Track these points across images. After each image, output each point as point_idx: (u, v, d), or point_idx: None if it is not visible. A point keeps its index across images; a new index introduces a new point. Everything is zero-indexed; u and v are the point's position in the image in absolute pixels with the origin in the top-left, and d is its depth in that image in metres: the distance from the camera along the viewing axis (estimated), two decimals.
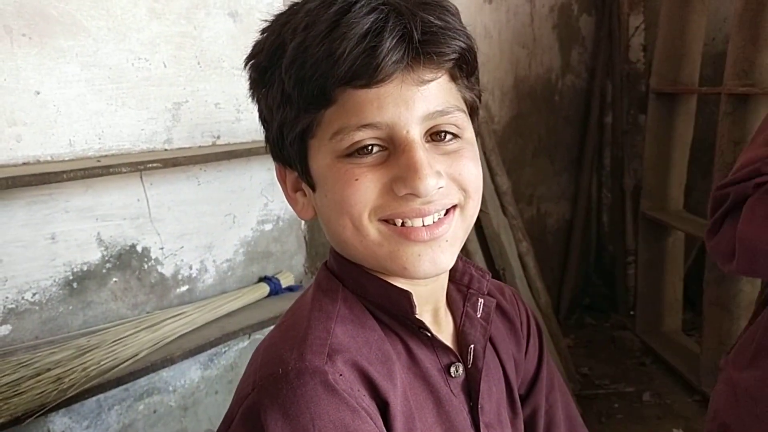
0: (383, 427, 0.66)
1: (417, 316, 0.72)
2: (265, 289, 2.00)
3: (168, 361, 1.63)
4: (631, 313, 3.60)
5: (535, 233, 3.54)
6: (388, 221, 0.69)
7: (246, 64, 0.73)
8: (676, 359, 3.06)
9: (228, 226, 1.97)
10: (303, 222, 2.18)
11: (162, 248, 1.80)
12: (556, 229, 3.81)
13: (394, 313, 0.74)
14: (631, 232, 3.70)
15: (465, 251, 2.59)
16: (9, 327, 1.53)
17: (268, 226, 2.08)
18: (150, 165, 1.58)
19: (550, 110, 3.64)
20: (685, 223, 3.05)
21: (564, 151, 3.79)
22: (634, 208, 3.66)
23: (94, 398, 1.62)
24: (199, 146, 1.86)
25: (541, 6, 3.46)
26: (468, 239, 2.67)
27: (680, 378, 2.95)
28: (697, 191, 3.39)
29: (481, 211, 2.54)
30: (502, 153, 3.01)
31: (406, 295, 0.72)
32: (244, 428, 0.63)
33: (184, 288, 1.87)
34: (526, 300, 2.76)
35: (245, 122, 1.94)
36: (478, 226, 2.69)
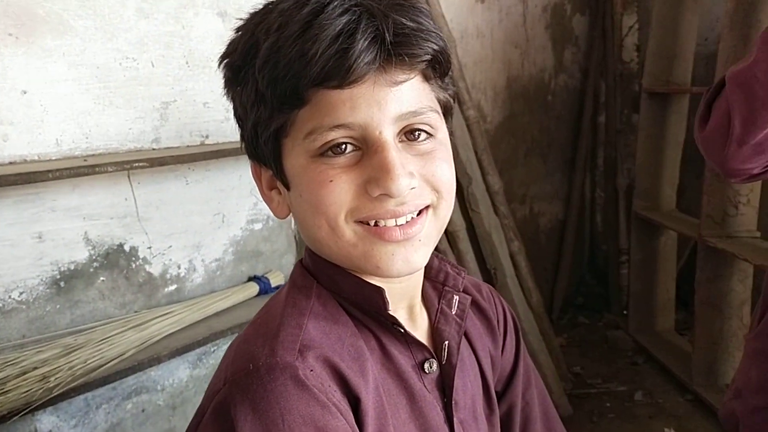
0: (354, 423, 0.66)
1: (390, 313, 0.73)
2: (254, 288, 2.00)
3: (155, 360, 1.63)
4: (624, 312, 3.61)
5: (528, 233, 3.54)
6: (362, 222, 0.69)
7: (220, 63, 0.74)
8: (668, 358, 3.06)
9: (217, 226, 1.97)
10: (293, 221, 2.18)
11: (150, 247, 1.80)
12: (549, 228, 3.81)
13: (368, 309, 0.74)
14: (625, 231, 3.71)
15: (456, 251, 2.59)
16: None
17: (257, 226, 2.09)
18: (137, 164, 1.58)
19: (543, 110, 3.65)
20: (678, 223, 3.05)
21: (557, 150, 3.79)
22: (627, 207, 3.66)
23: (82, 397, 1.63)
24: (188, 146, 1.86)
25: (533, 6, 3.46)
26: (459, 239, 2.64)
27: (672, 377, 2.95)
28: (689, 191, 3.39)
29: (472, 210, 2.51)
30: (495, 153, 3.01)
31: (379, 292, 0.72)
32: (215, 424, 0.63)
33: (173, 287, 1.87)
34: (518, 299, 2.79)
35: (234, 122, 1.94)
36: (470, 226, 2.69)
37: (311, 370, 0.65)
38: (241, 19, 0.72)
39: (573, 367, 3.14)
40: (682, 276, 3.41)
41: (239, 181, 2.00)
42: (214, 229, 1.96)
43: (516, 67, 3.41)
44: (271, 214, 2.09)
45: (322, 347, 0.68)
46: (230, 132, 1.95)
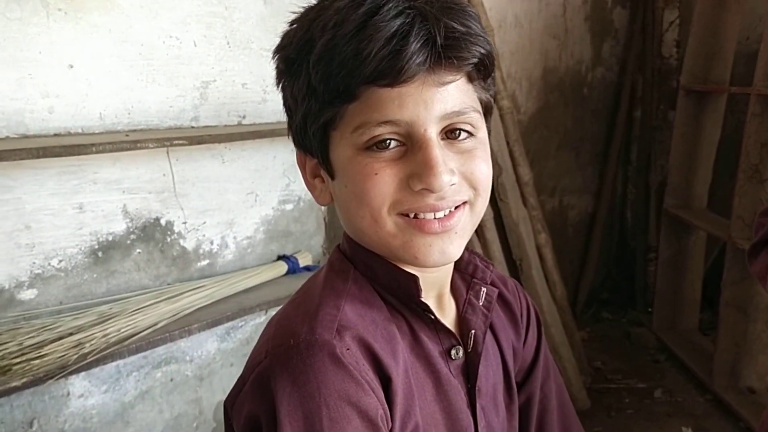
0: (384, 400, 0.70)
1: (422, 300, 0.76)
2: (283, 267, 2.04)
3: (186, 332, 1.69)
4: (649, 309, 3.60)
5: (557, 225, 3.54)
6: (403, 214, 0.73)
7: (274, 55, 0.77)
8: (690, 358, 3.05)
9: (250, 204, 2.01)
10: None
11: (185, 222, 1.85)
12: (577, 221, 3.80)
13: (401, 295, 0.78)
14: (654, 228, 3.68)
15: (483, 240, 2.60)
16: (35, 291, 1.59)
17: (288, 206, 2.12)
18: (176, 141, 1.62)
19: (578, 103, 3.62)
20: (708, 223, 3.02)
21: (589, 144, 3.77)
22: (658, 204, 3.63)
23: (114, 364, 1.69)
24: (225, 125, 1.90)
25: None
26: (486, 228, 2.66)
27: (693, 377, 2.95)
28: (722, 191, 3.36)
29: (500, 200, 2.52)
30: (527, 144, 3.01)
31: (414, 279, 0.76)
32: (255, 392, 0.68)
33: (205, 262, 1.92)
34: (542, 291, 2.80)
35: (271, 103, 1.98)
36: (497, 216, 2.70)
37: (347, 349, 0.69)
38: (295, 12, 0.75)
39: (594, 361, 3.14)
40: (709, 276, 3.39)
41: (273, 161, 2.04)
42: (246, 208, 2.00)
43: (553, 58, 3.39)
44: (302, 195, 2.14)
45: (358, 328, 0.72)
46: (267, 113, 1.98)
